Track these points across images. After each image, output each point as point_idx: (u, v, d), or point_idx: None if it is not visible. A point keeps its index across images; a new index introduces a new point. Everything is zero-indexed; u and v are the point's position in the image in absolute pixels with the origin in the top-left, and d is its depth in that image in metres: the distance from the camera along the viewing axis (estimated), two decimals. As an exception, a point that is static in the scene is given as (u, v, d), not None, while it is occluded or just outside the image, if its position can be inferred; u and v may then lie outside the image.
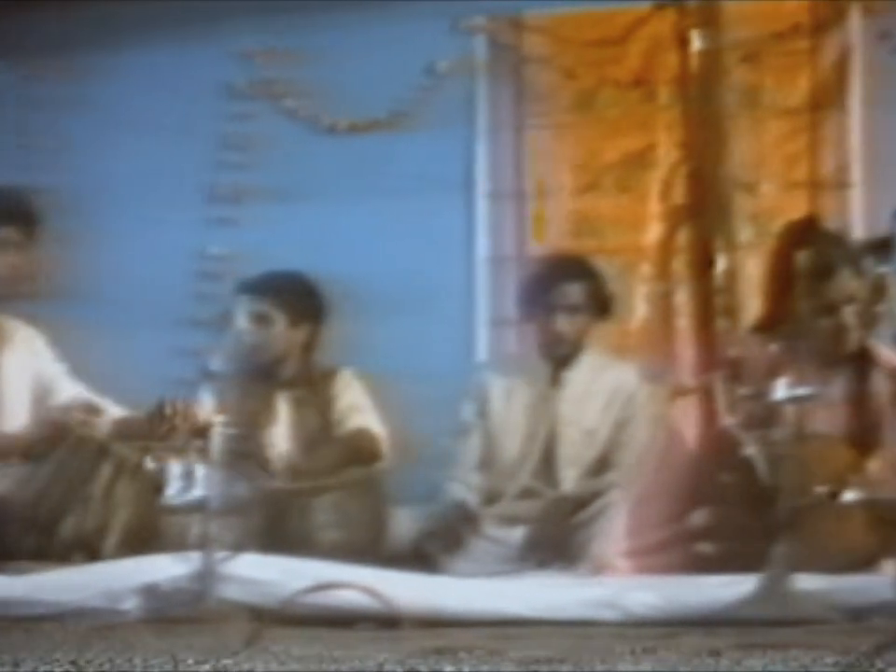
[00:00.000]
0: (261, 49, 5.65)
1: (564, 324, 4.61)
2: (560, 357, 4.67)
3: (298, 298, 4.78)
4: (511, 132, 5.51)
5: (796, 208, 5.18)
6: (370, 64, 5.53)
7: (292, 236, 5.42)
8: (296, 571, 3.69)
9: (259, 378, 4.70)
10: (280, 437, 4.70)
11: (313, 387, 4.78)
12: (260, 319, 4.74)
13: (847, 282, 4.08)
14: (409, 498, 4.68)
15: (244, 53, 5.67)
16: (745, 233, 5.28)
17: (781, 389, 3.63)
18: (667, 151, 5.37)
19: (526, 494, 4.59)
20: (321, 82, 5.59)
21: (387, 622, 3.38)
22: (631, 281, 5.33)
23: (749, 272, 5.17)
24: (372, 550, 4.31)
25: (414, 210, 5.42)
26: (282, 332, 4.75)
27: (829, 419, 4.13)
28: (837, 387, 4.20)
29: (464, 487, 4.61)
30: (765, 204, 5.32)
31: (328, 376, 4.80)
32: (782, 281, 4.16)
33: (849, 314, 4.11)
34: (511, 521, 4.50)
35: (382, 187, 5.47)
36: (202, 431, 3.98)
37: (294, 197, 5.54)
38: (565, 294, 4.61)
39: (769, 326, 4.19)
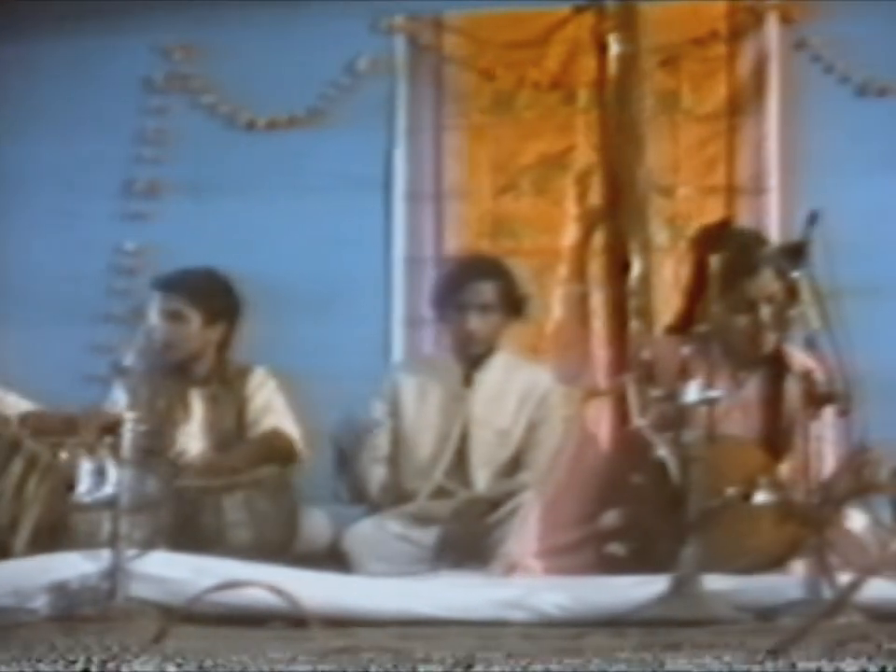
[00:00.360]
0: (180, 44, 5.62)
1: (476, 323, 4.62)
2: (473, 357, 4.68)
3: (213, 296, 4.74)
4: (430, 132, 5.52)
5: (713, 212, 5.23)
6: (289, 62, 5.52)
7: (209, 232, 5.40)
8: (206, 570, 3.66)
9: (172, 375, 4.67)
10: (193, 434, 4.67)
11: (227, 385, 4.75)
12: (175, 317, 4.70)
13: (769, 281, 4.10)
14: (324, 498, 4.67)
15: (162, 48, 5.63)
16: (661, 237, 5.31)
17: (693, 392, 3.66)
18: (585, 154, 5.40)
19: (440, 494, 4.59)
20: (240, 78, 5.57)
21: (298, 621, 3.36)
22: (547, 282, 5.35)
23: (665, 275, 5.21)
24: (285, 548, 4.29)
25: (332, 209, 5.42)
26: (196, 331, 4.71)
27: (743, 421, 4.16)
28: (751, 389, 4.23)
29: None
30: (682, 208, 5.36)
31: (242, 374, 4.77)
32: (697, 283, 4.18)
33: (767, 312, 4.13)
34: (424, 520, 4.50)
35: (300, 185, 5.46)
36: (113, 428, 3.94)
37: (211, 193, 5.52)
38: (476, 293, 4.62)
39: (684, 327, 4.21)
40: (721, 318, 4.05)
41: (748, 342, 4.18)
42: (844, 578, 3.41)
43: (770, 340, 4.18)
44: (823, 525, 3.59)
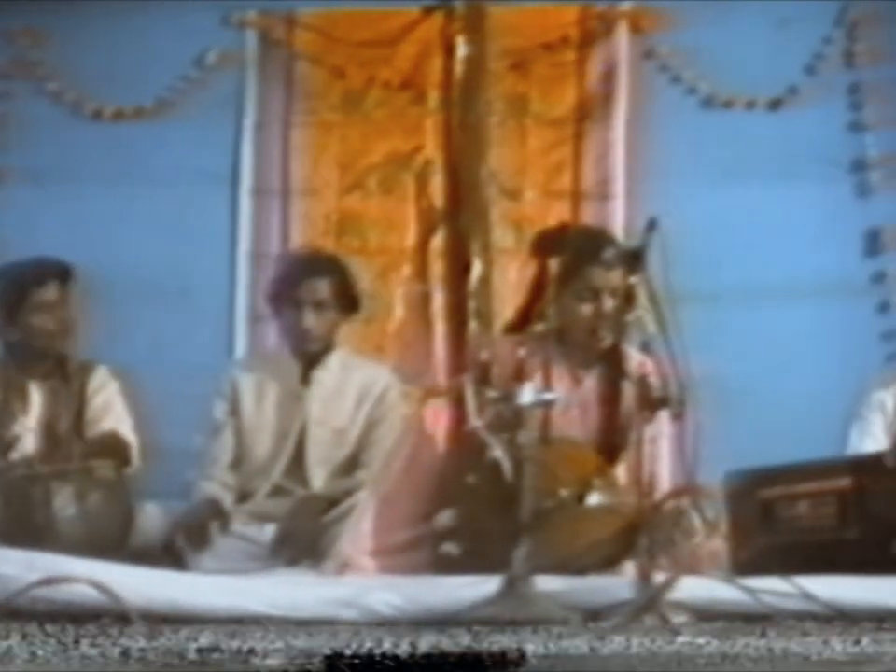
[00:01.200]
0: (25, 29, 5.52)
1: (311, 320, 4.60)
2: (311, 354, 4.66)
3: (54, 287, 4.67)
4: (278, 128, 5.49)
5: (559, 216, 5.28)
6: (138, 52, 5.46)
7: (51, 222, 5.31)
8: (36, 565, 3.60)
9: (11, 365, 4.60)
10: (29, 428, 4.60)
11: (67, 381, 4.69)
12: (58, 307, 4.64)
13: (614, 274, 4.14)
14: (161, 494, 4.63)
15: (6, 32, 5.53)
16: (507, 240, 5.36)
17: (528, 393, 3.67)
18: (432, 154, 5.42)
19: (277, 492, 4.58)
20: (87, 67, 5.49)
21: (125, 618, 3.32)
22: (393, 282, 5.37)
23: (510, 277, 5.25)
24: (119, 544, 4.24)
25: (177, 202, 5.36)
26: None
27: (581, 420, 4.20)
28: (589, 389, 4.27)
29: (217, 485, 4.57)
30: (528, 212, 5.40)
31: (84, 371, 4.71)
32: (538, 285, 4.21)
33: (610, 305, 4.17)
34: (262, 519, 4.48)
35: (145, 176, 5.40)
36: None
37: (54, 182, 5.43)
38: (311, 290, 4.60)
39: (523, 327, 4.23)
40: (564, 309, 4.07)
41: (588, 334, 4.21)
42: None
43: (608, 337, 4.22)
44: (653, 527, 3.64)
